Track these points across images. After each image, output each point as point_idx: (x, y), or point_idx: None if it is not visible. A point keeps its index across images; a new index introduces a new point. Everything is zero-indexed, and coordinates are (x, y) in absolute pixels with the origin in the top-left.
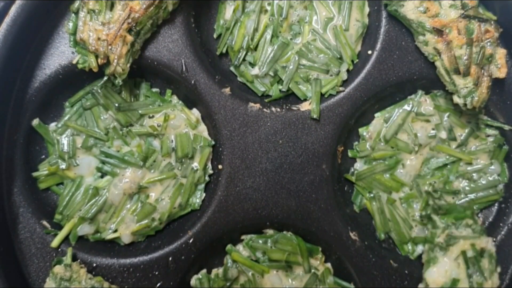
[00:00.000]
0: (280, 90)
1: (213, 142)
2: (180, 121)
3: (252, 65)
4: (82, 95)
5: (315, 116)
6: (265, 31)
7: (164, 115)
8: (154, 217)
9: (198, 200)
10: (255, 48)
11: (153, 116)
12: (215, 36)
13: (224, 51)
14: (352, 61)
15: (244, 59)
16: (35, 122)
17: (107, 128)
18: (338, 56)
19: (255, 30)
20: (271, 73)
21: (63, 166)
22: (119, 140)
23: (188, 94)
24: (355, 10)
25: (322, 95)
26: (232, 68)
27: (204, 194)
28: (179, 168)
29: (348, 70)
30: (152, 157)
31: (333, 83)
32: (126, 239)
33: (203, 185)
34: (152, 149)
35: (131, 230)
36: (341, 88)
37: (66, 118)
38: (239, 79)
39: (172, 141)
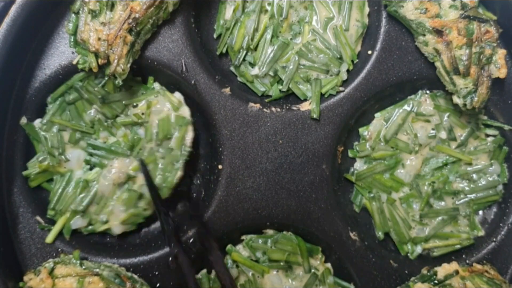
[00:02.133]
0: (280, 90)
1: (190, 119)
2: (163, 106)
3: (252, 65)
4: (64, 89)
5: (315, 116)
6: (265, 31)
7: (146, 102)
8: (140, 204)
9: (171, 178)
10: (255, 48)
11: (137, 105)
12: (215, 36)
13: (224, 51)
14: (352, 61)
15: (244, 59)
16: (23, 120)
17: (92, 121)
18: (338, 56)
19: (255, 30)
20: (271, 73)
21: (54, 162)
22: (105, 131)
23: (188, 94)
24: (355, 10)
25: (322, 95)
26: (232, 68)
27: (180, 173)
28: (160, 151)
29: (348, 70)
30: (139, 145)
31: (333, 83)
32: (117, 229)
33: (180, 163)
34: (138, 137)
35: (120, 219)
36: (341, 88)
37: (50, 113)
38: (239, 79)
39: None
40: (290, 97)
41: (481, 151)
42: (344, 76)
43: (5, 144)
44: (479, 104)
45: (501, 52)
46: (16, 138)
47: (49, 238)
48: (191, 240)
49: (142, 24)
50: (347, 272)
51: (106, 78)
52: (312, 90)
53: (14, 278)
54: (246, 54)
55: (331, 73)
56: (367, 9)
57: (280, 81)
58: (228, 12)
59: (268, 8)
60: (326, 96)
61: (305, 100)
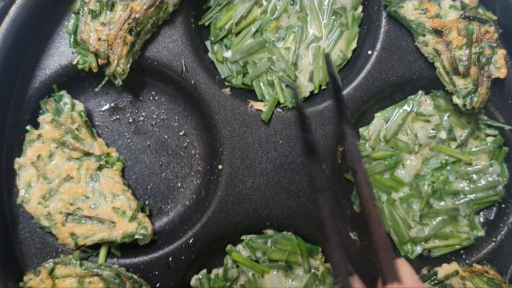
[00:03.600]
0: (242, 82)
1: None
2: None
3: (228, 48)
4: None
5: (264, 118)
6: (252, 23)
7: None
8: None
9: None
10: (237, 35)
11: None
12: (204, 6)
13: (206, 24)
14: (320, 86)
15: (222, 40)
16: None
17: None
18: (307, 76)
19: (243, 17)
20: (241, 63)
21: None
22: None
23: (188, 94)
24: (342, 41)
25: (278, 103)
26: (207, 43)
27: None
28: None
29: (312, 92)
30: None
31: (292, 97)
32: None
33: None
34: None
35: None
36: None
37: None
38: (209, 55)
39: None
40: (252, 92)
41: (481, 151)
42: (306, 94)
43: (5, 144)
44: (479, 104)
45: (501, 52)
46: (16, 138)
47: (101, 259)
48: (191, 241)
49: (142, 24)
50: None
51: (106, 78)
52: (272, 94)
53: (14, 278)
54: (226, 36)
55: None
56: (353, 45)
57: (246, 74)
58: None
59: (264, 3)
60: (282, 105)
61: (261, 101)
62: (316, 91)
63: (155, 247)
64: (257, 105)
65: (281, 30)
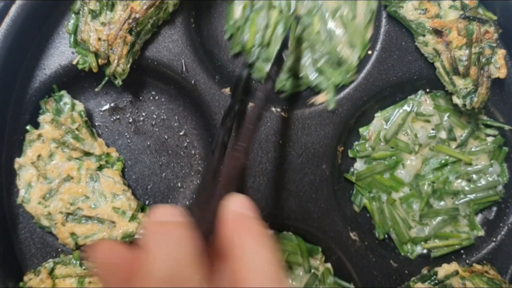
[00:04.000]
0: (294, 85)
1: None
2: None
3: (265, 61)
4: None
5: (332, 106)
6: (276, 27)
7: None
8: None
9: None
10: (268, 45)
11: None
12: (226, 37)
13: (237, 50)
14: (364, 48)
15: (258, 57)
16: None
17: None
18: (349, 46)
19: (266, 26)
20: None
21: None
22: None
23: (188, 94)
24: None
25: (337, 85)
26: (247, 67)
27: None
28: None
29: (359, 58)
30: None
31: (346, 72)
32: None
33: None
34: None
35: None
36: (355, 77)
37: None
38: (254, 76)
39: None
40: (305, 92)
41: (481, 151)
42: (355, 62)
43: (5, 144)
44: (479, 104)
45: (501, 52)
46: (16, 138)
47: None
48: None
49: (142, 24)
50: (347, 272)
51: (106, 78)
52: (327, 80)
53: (14, 278)
54: (260, 51)
55: (343, 64)
56: None
57: (294, 76)
58: (236, 12)
59: (276, 4)
60: (339, 87)
61: (319, 92)
62: (362, 55)
63: None
64: (319, 99)
65: (304, 18)
